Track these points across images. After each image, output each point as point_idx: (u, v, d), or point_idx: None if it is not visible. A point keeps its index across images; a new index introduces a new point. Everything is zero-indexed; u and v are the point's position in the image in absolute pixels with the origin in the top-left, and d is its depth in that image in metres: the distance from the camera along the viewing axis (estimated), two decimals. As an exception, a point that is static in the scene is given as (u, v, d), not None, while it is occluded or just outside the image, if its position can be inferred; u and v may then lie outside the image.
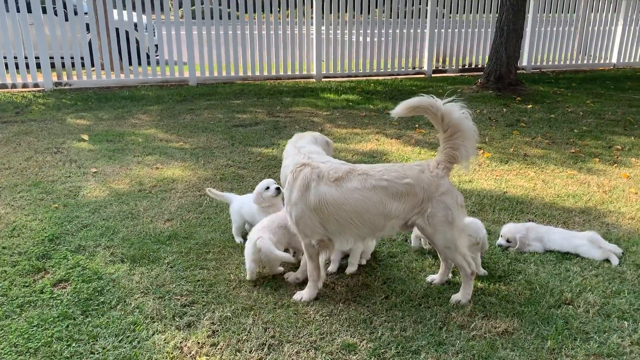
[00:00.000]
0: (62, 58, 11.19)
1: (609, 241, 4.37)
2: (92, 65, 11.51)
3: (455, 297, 3.62)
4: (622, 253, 4.30)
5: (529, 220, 4.80)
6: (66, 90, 11.08)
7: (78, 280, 3.74)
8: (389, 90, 11.79)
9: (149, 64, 12.03)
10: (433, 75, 14.17)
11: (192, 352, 3.04)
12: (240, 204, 4.52)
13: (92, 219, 4.78)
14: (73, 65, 11.33)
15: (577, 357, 3.06)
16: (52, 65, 11.19)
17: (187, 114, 9.25)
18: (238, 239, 4.42)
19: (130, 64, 11.72)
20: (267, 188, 4.22)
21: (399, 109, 3.54)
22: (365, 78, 13.50)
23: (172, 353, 3.03)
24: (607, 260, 4.17)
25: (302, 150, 3.64)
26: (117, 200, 5.25)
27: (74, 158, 6.54)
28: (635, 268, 4.09)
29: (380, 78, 13.55)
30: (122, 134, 7.73)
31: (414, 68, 14.22)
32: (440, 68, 14.55)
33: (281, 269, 3.95)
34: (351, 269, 3.99)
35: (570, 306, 3.57)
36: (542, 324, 3.36)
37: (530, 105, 10.37)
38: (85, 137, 7.48)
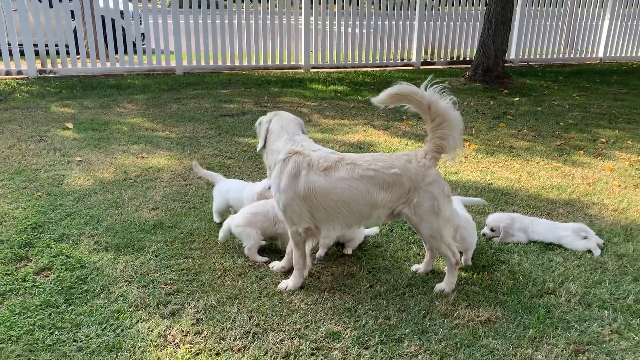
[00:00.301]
0: (46, 45, 11.01)
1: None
2: (77, 53, 11.36)
3: (439, 286, 3.65)
4: (604, 244, 4.35)
5: (514, 212, 4.84)
6: (50, 78, 10.93)
7: (61, 268, 3.71)
8: (378, 82, 11.78)
9: (135, 52, 11.90)
10: (421, 67, 14.19)
11: (176, 340, 3.03)
12: (228, 189, 4.54)
13: (76, 207, 4.73)
14: (57, 52, 11.17)
15: (558, 345, 3.10)
16: (36, 53, 11.01)
17: (174, 103, 9.17)
18: (217, 219, 4.53)
19: (116, 52, 11.59)
20: (270, 187, 4.04)
21: (381, 97, 3.55)
22: (353, 69, 13.48)
23: (156, 341, 3.02)
24: (589, 251, 4.22)
25: (295, 138, 3.62)
26: (101, 189, 5.20)
27: (58, 146, 6.46)
28: (616, 259, 4.14)
29: (368, 69, 13.53)
30: (107, 123, 7.65)
31: (402, 60, 14.22)
32: (429, 60, 14.56)
33: (265, 258, 3.95)
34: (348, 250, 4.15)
35: (552, 296, 3.61)
36: (525, 313, 3.40)
37: (517, 98, 10.43)
38: (70, 125, 7.40)
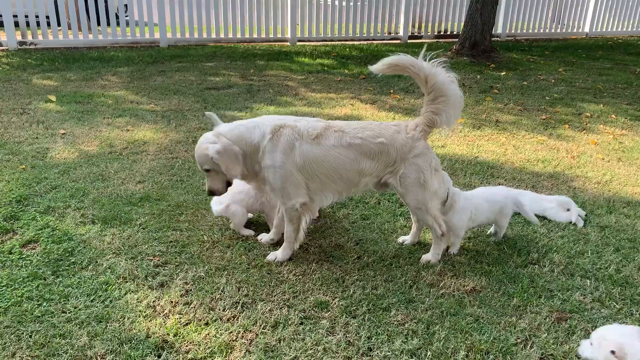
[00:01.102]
0: (26, 16, 10.74)
1: (575, 205, 4.48)
2: (59, 24, 11.10)
3: (426, 257, 3.70)
4: (586, 215, 4.43)
5: (499, 184, 4.89)
6: (31, 50, 10.69)
7: (48, 241, 3.69)
8: (365, 56, 11.71)
9: (118, 24, 11.68)
10: (409, 41, 14.11)
11: (165, 311, 3.05)
12: None
13: (62, 180, 4.68)
14: (38, 24, 10.91)
15: (542, 313, 3.17)
16: (16, 24, 10.73)
17: (158, 75, 9.04)
18: None
19: (98, 24, 11.35)
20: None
21: (379, 65, 3.55)
22: (340, 42, 13.37)
23: (145, 312, 3.03)
24: (573, 223, 4.29)
25: (264, 120, 3.56)
26: (86, 162, 5.14)
27: (41, 119, 6.36)
28: (599, 230, 4.22)
29: (355, 43, 13.43)
30: (91, 96, 7.53)
31: (389, 33, 14.13)
32: (416, 34, 14.49)
33: (251, 231, 3.96)
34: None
35: (536, 266, 3.68)
36: (509, 283, 3.46)
37: (504, 73, 10.45)
38: (53, 98, 7.27)
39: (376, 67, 3.57)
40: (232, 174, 3.49)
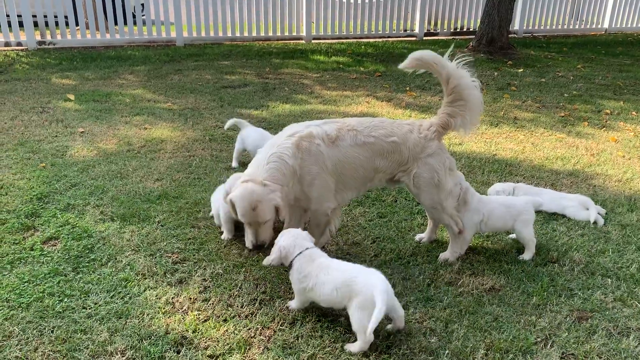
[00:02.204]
0: (45, 16, 10.89)
1: (595, 203, 4.42)
2: (77, 24, 11.23)
3: (444, 255, 3.67)
4: (606, 213, 4.37)
5: (518, 182, 4.84)
6: (50, 49, 10.83)
7: (68, 237, 3.73)
8: (380, 53, 11.66)
9: (135, 23, 11.79)
10: (424, 38, 14.03)
11: (184, 307, 3.07)
12: (247, 135, 5.12)
13: (81, 178, 4.74)
14: (57, 23, 11.05)
15: (562, 312, 3.13)
16: (35, 24, 10.88)
17: (175, 74, 9.10)
18: (234, 163, 5.15)
19: (115, 23, 11.46)
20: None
21: (407, 61, 3.53)
22: (355, 40, 13.33)
23: (164, 308, 3.05)
24: (594, 222, 4.23)
25: (278, 136, 3.47)
26: (105, 160, 5.20)
27: (60, 118, 6.43)
28: (620, 228, 4.16)
29: (370, 40, 13.38)
30: (108, 94, 7.60)
31: (405, 31, 14.06)
32: (432, 31, 14.39)
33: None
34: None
35: (556, 264, 3.64)
36: (528, 281, 3.42)
37: (521, 69, 10.34)
38: (71, 96, 7.35)
39: (405, 64, 3.55)
40: (285, 216, 3.37)
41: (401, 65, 3.58)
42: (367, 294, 2.64)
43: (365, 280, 2.69)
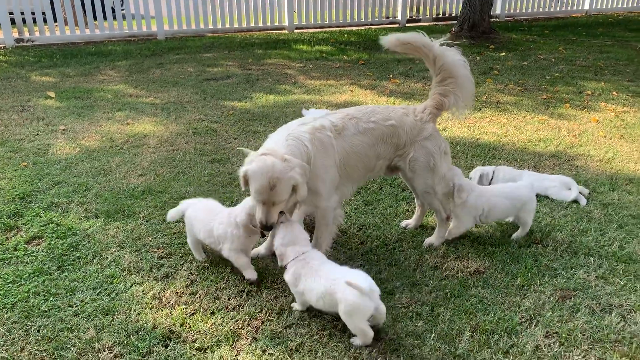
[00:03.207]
0: (22, 13, 10.71)
1: (578, 183, 4.47)
2: (55, 20, 11.06)
3: (429, 240, 3.70)
4: (589, 193, 4.42)
5: (501, 165, 4.86)
6: (29, 46, 10.66)
7: (52, 236, 3.71)
8: (363, 41, 11.63)
9: (114, 18, 11.61)
10: (407, 25, 14.01)
11: (171, 302, 3.07)
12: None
13: (64, 176, 4.70)
14: (35, 20, 10.88)
15: (546, 292, 3.17)
16: (12, 22, 10.70)
17: (157, 68, 9.02)
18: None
19: (95, 18, 11.31)
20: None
21: (392, 39, 3.53)
22: (338, 28, 13.28)
23: (151, 303, 3.05)
24: (576, 201, 4.29)
25: (291, 123, 3.30)
26: (88, 157, 5.15)
27: (41, 116, 6.36)
28: (601, 207, 4.22)
29: (353, 28, 13.34)
30: (90, 91, 7.52)
31: (387, 18, 14.03)
32: (414, 17, 14.38)
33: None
34: None
35: (540, 245, 3.68)
36: (512, 263, 3.47)
37: (504, 53, 10.37)
38: (52, 94, 7.27)
39: (389, 40, 3.54)
40: (305, 192, 3.06)
41: (384, 40, 3.55)
42: (348, 300, 2.61)
43: (344, 287, 2.63)
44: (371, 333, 2.68)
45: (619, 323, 2.90)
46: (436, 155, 3.48)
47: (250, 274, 3.21)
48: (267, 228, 3.07)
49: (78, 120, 6.25)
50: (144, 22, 11.73)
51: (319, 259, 2.95)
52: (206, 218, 3.34)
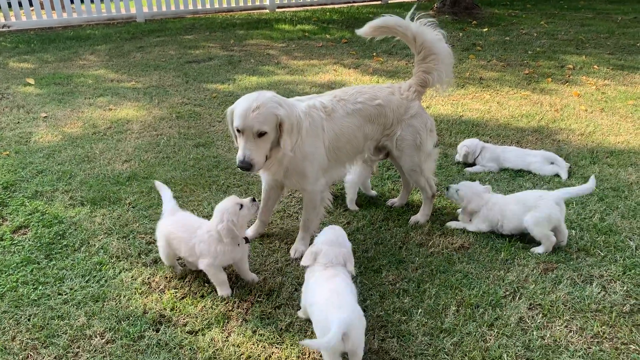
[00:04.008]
0: (-4, -2, 10.47)
1: (560, 157, 4.53)
2: (31, 4, 10.82)
3: (414, 218, 3.75)
4: (570, 167, 4.49)
5: (486, 142, 4.91)
6: (5, 32, 10.44)
7: (38, 225, 3.69)
8: (346, 19, 11.56)
9: (92, 1, 11.40)
10: (389, 1, 13.92)
11: (161, 286, 3.09)
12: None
13: (47, 164, 4.66)
14: (10, 5, 10.63)
15: (529, 265, 3.25)
16: (-13, 6, 10.47)
17: (137, 52, 8.90)
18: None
19: (72, 2, 11.08)
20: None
21: (366, 28, 3.53)
22: (320, 7, 13.17)
23: (140, 288, 3.07)
24: (557, 175, 4.36)
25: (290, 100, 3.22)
26: (71, 144, 5.11)
27: (21, 103, 6.27)
28: (583, 181, 4.28)
29: (336, 6, 13.24)
30: (70, 76, 7.41)
31: (369, -5, 13.92)
32: (396, -6, 14.28)
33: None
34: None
35: (523, 220, 3.74)
36: (496, 238, 3.53)
37: (486, 29, 10.38)
38: (31, 81, 7.15)
39: (363, 30, 3.55)
40: (291, 144, 2.98)
41: (360, 31, 3.56)
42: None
43: (336, 321, 2.25)
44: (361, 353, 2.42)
45: (599, 293, 2.99)
46: (422, 133, 3.52)
47: (225, 290, 3.02)
48: (245, 167, 2.89)
49: (59, 107, 6.17)
50: (123, 5, 11.53)
51: (322, 269, 2.66)
52: (186, 235, 3.03)
